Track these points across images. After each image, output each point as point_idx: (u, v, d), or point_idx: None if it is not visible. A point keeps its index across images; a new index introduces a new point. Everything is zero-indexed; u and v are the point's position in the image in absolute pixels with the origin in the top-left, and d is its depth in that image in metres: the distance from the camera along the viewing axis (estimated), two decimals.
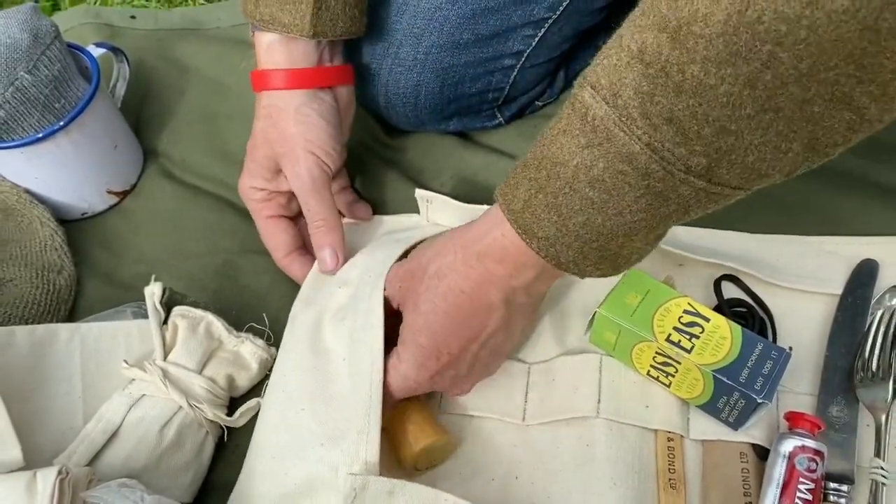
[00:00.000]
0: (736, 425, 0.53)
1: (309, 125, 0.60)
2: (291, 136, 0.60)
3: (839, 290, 0.60)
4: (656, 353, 0.53)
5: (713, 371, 0.51)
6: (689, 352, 0.52)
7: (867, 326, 0.58)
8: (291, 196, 0.64)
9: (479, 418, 0.57)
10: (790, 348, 0.55)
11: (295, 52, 0.61)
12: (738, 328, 0.53)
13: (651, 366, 0.55)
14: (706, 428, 0.55)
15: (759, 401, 0.50)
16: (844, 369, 0.56)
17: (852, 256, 0.61)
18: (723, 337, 0.53)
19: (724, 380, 0.51)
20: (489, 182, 0.71)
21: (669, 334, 0.53)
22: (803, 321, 0.59)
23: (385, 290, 0.55)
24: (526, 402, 0.58)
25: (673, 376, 0.54)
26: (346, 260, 0.61)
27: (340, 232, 0.61)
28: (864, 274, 0.60)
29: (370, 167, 0.73)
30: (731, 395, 0.51)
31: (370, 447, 0.49)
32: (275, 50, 0.61)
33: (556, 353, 0.59)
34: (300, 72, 0.61)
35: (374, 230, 0.68)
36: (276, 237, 0.64)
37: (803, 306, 0.60)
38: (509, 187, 0.46)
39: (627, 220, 0.42)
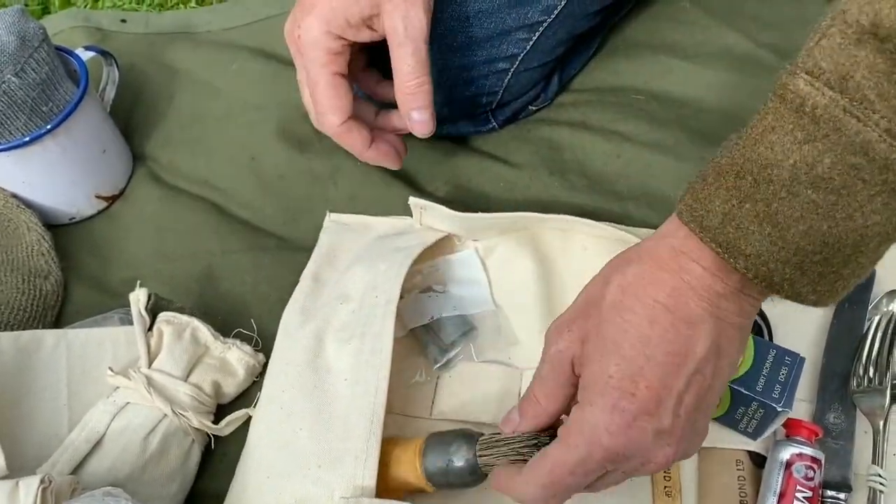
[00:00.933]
0: (755, 435, 0.53)
1: None
2: None
3: None
4: None
5: (729, 382, 0.50)
6: None
7: (864, 332, 0.57)
8: (358, 53, 0.60)
9: (472, 425, 0.56)
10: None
11: None
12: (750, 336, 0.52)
13: None
14: None
15: (780, 409, 0.49)
16: (842, 375, 0.56)
17: None
18: None
19: (742, 390, 0.50)
20: (483, 188, 0.71)
21: None
22: (800, 327, 0.59)
23: (550, 354, 0.43)
24: None
25: None
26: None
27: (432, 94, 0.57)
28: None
29: (362, 171, 0.72)
30: (750, 405, 0.50)
31: (367, 472, 0.48)
32: None
33: None
34: None
35: (365, 233, 0.66)
36: (340, 97, 0.58)
37: (800, 312, 0.58)
38: (698, 202, 0.39)
39: (859, 224, 0.36)
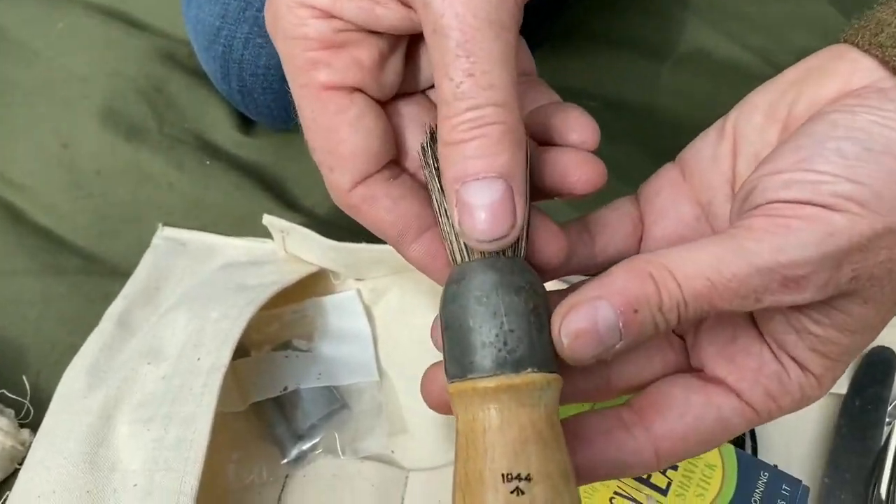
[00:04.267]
0: None
1: None
2: None
3: (843, 390, 0.48)
4: (614, 493, 0.40)
5: None
6: (664, 492, 0.39)
7: (883, 442, 0.45)
8: (390, 45, 0.29)
9: None
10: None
11: None
12: (729, 449, 0.41)
13: None
14: None
15: None
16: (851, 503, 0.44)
17: None
18: (710, 465, 0.40)
19: None
20: None
21: None
22: (793, 431, 0.47)
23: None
24: None
25: None
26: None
27: (525, 149, 0.27)
28: (877, 367, 0.49)
29: (211, 171, 0.60)
30: None
31: None
32: None
33: (445, 461, 0.47)
34: None
35: (206, 259, 0.55)
36: (348, 133, 0.28)
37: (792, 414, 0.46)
38: None
39: None
